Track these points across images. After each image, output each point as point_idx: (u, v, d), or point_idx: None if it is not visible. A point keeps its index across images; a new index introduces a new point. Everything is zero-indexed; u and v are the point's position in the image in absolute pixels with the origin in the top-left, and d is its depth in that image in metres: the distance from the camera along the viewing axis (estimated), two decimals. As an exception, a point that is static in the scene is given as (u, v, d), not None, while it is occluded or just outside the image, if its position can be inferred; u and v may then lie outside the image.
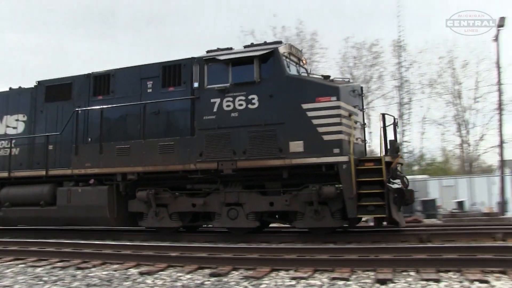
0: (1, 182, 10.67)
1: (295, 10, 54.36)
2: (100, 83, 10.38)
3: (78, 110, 10.11)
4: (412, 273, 4.89)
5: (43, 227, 11.17)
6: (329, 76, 8.72)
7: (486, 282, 4.37)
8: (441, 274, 4.77)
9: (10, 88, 11.63)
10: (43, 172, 10.07)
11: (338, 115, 8.05)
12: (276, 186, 8.69)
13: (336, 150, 7.93)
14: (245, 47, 9.30)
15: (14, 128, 11.13)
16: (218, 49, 9.36)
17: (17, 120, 11.13)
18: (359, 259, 5.52)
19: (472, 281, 4.41)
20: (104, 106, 9.81)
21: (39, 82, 11.15)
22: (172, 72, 9.66)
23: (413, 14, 54.08)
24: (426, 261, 5.20)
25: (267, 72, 8.60)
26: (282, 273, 5.18)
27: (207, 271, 5.42)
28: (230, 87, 8.70)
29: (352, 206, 7.74)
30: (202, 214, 9.33)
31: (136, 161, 9.18)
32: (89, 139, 10.09)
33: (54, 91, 10.85)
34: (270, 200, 8.50)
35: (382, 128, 8.50)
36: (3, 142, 11.05)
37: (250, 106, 8.52)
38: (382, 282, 4.52)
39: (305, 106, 8.19)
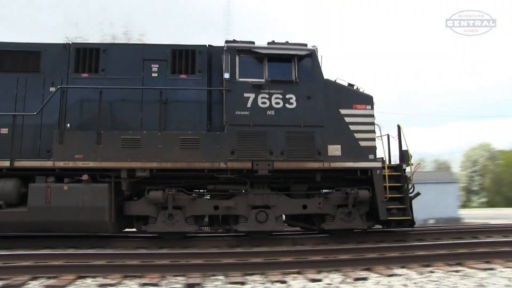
0: None
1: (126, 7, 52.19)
2: (85, 57, 8.44)
3: (63, 87, 7.99)
4: (220, 277, 5.13)
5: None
6: (353, 85, 9.09)
7: (284, 282, 4.86)
8: (247, 277, 5.12)
9: None
10: (7, 163, 7.60)
11: (373, 123, 8.55)
12: (302, 189, 8.62)
13: (371, 156, 8.39)
14: (269, 43, 8.88)
15: None
16: (235, 41, 8.76)
17: None
18: (170, 264, 5.63)
19: (273, 282, 4.85)
20: (101, 86, 8.01)
21: None
22: (184, 58, 8.60)
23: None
24: (233, 265, 5.55)
25: (305, 73, 8.47)
26: (88, 281, 4.96)
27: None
28: (265, 83, 8.27)
29: (384, 209, 8.31)
30: (222, 217, 8.54)
31: (149, 155, 7.81)
32: (68, 125, 8.08)
33: (13, 59, 8.32)
34: (303, 203, 8.39)
35: (398, 138, 9.29)
36: None
37: (287, 105, 8.26)
38: (191, 286, 4.70)
39: (342, 111, 8.41)
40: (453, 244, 7.40)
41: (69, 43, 8.61)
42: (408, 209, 8.49)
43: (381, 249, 6.93)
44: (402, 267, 5.57)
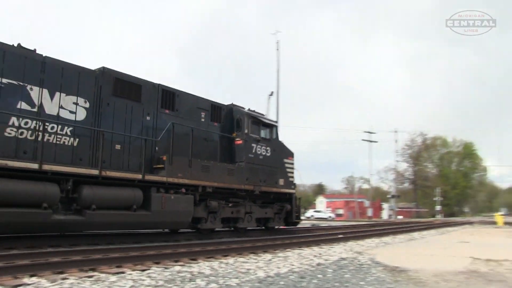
0: (75, 179, 8.70)
1: None
2: (167, 97, 11.44)
3: (174, 122, 10.86)
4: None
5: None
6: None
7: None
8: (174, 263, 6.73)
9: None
10: (139, 176, 9.82)
11: (293, 168, 15.48)
12: (261, 202, 14.40)
13: (293, 186, 15.29)
14: (249, 110, 14.26)
15: (71, 112, 9.12)
16: (250, 109, 13.92)
17: (75, 103, 9.20)
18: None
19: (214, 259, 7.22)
20: (178, 123, 11.31)
21: (105, 69, 9.90)
22: (217, 111, 12.99)
23: None
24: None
25: (274, 136, 14.57)
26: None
27: None
28: (260, 139, 13.83)
29: (294, 215, 15.30)
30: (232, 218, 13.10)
31: (213, 178, 11.83)
32: (156, 149, 10.95)
33: (123, 87, 10.35)
34: (266, 211, 14.23)
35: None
36: (55, 126, 8.79)
37: (267, 154, 14.09)
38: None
39: (284, 160, 14.98)
40: (87, 250, 7.58)
41: (157, 84, 11.28)
42: (299, 216, 15.85)
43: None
44: (32, 276, 5.24)
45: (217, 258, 7.77)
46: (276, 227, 15.10)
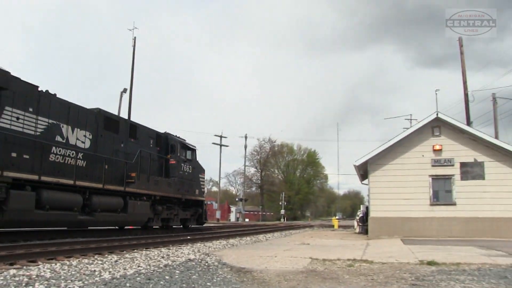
0: (85, 189, 12.58)
1: None
2: (132, 129, 15.82)
3: (140, 150, 15.18)
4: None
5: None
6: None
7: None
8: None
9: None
10: (122, 188, 14.01)
11: (204, 180, 20.61)
12: (182, 207, 19.11)
13: (204, 195, 20.43)
14: (177, 137, 18.96)
15: (82, 142, 13.01)
16: (180, 137, 18.66)
17: (84, 136, 13.09)
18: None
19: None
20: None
21: (100, 110, 14.15)
22: (158, 139, 17.56)
23: None
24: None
25: (194, 157, 19.56)
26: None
27: None
28: (186, 159, 18.70)
29: (204, 217, 20.41)
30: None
31: (160, 189, 16.35)
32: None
33: (109, 123, 14.49)
34: (186, 213, 19.03)
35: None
36: (71, 152, 12.46)
37: (189, 170, 19.01)
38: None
39: (199, 175, 20.04)
40: None
41: (128, 119, 15.66)
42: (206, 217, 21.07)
43: None
44: None
45: (60, 260, 7.56)
46: (191, 225, 20.01)
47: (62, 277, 5.75)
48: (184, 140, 19.49)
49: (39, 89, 11.52)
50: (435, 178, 17.37)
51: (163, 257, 8.62)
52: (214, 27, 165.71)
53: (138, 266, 7.08)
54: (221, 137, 55.50)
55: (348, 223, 42.01)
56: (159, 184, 16.34)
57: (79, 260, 7.59)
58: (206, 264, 7.76)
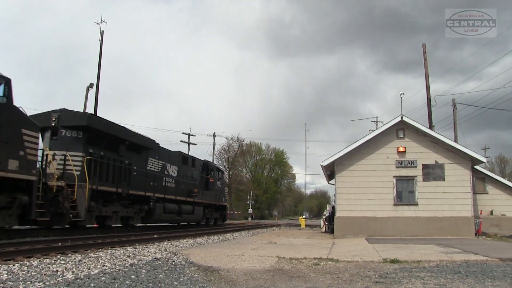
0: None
1: None
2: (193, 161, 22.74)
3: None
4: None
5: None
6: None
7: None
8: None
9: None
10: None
11: (227, 191, 21.42)
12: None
13: (226, 201, 22.85)
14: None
15: (173, 173, 20.71)
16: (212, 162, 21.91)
17: (175, 169, 21.04)
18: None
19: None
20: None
21: (180, 152, 22.82)
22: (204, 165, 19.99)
23: None
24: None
25: (222, 175, 22.43)
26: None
27: None
28: (218, 178, 23.38)
29: (226, 217, 20.48)
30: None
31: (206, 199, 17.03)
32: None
33: (186, 160, 22.94)
34: (218, 213, 21.91)
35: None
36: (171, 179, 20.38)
37: (220, 185, 24.74)
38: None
39: (224, 188, 21.61)
40: None
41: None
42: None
43: None
44: None
45: (18, 260, 7.22)
46: (219, 222, 26.38)
47: (21, 279, 5.51)
48: (218, 164, 23.04)
49: (156, 141, 19.07)
50: (399, 179, 17.99)
51: (129, 256, 8.49)
52: (183, 24, 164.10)
53: (103, 266, 6.93)
54: (189, 135, 53.66)
55: (315, 222, 42.72)
56: (206, 196, 24.07)
57: (40, 260, 7.30)
58: (173, 263, 7.70)
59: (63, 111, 13.97)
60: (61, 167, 13.32)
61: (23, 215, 11.07)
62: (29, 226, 12.45)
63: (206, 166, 25.85)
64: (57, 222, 12.85)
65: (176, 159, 21.15)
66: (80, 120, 14.17)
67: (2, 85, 10.45)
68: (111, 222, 15.68)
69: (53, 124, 13.41)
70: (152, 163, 18.43)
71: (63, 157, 13.48)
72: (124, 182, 16.04)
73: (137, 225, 18.24)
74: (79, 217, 13.20)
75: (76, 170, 13.40)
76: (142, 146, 17.44)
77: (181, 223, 22.72)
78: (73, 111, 14.65)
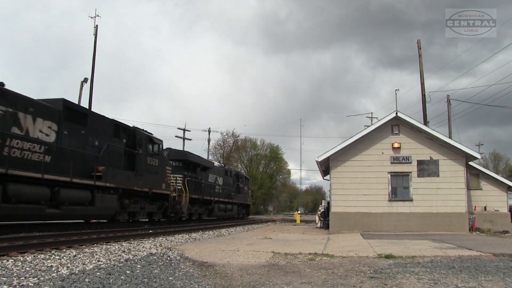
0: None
1: None
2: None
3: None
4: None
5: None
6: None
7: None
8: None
9: None
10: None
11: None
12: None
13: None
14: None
15: (220, 182, 27.38)
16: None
17: (220, 180, 27.95)
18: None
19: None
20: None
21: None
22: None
23: None
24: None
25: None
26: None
27: None
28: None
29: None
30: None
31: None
32: None
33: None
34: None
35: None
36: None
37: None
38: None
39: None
40: None
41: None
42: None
43: None
44: None
45: (12, 256, 7.13)
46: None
47: (15, 274, 5.47)
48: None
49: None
50: (394, 175, 18.09)
51: (124, 252, 8.47)
52: (179, 19, 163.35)
53: (98, 261, 6.91)
54: (184, 130, 54.27)
55: (310, 218, 42.97)
56: (238, 197, 24.57)
57: (34, 256, 7.26)
58: (168, 258, 7.69)
59: (171, 150, 24.54)
60: (174, 183, 21.09)
61: (165, 212, 20.14)
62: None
63: (237, 175, 35.50)
64: (173, 217, 21.46)
65: (221, 172, 30.86)
66: (181, 156, 24.68)
67: (159, 145, 19.39)
68: (195, 217, 25.38)
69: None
70: (210, 177, 27.84)
71: (174, 178, 21.52)
72: (200, 191, 25.08)
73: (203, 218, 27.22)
74: (183, 214, 21.74)
75: (179, 185, 21.96)
76: (207, 167, 27.46)
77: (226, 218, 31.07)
78: (176, 149, 26.88)
